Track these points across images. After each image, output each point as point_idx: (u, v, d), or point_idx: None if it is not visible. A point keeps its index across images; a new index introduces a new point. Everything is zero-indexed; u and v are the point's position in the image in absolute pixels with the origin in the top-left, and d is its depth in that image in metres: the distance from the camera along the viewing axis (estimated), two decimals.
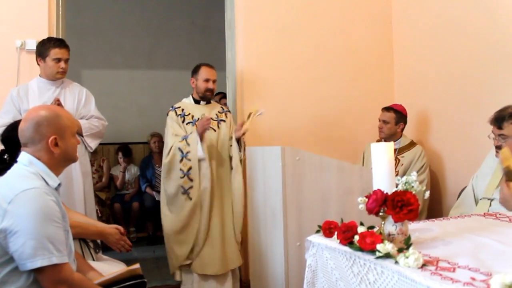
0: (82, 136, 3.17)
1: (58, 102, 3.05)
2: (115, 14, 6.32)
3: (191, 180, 3.29)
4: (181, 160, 3.30)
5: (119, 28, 6.30)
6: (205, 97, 3.52)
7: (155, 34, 6.43)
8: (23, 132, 1.79)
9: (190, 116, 3.46)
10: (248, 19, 3.89)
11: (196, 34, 6.51)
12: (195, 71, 3.51)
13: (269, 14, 3.94)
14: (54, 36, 3.41)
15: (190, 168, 3.29)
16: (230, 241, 3.37)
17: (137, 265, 2.05)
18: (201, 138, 3.30)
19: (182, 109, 3.47)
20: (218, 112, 3.54)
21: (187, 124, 3.44)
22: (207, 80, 3.46)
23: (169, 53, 6.43)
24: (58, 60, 3.13)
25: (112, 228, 2.39)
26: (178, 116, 3.45)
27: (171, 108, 3.50)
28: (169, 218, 3.37)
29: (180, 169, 3.30)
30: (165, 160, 3.35)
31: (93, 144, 3.27)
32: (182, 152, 3.30)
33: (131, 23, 6.35)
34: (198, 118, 3.42)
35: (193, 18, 6.58)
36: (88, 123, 3.24)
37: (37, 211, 1.62)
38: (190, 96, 3.57)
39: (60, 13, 3.61)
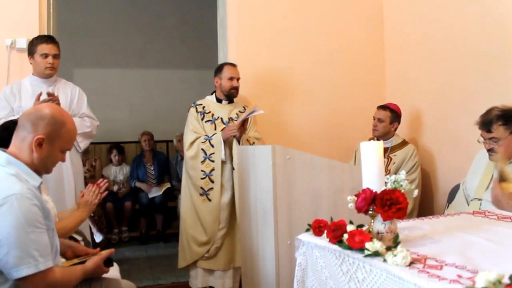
0: None
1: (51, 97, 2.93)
2: (107, 13, 6.29)
3: (212, 181, 3.31)
4: (203, 161, 3.31)
5: (111, 27, 6.27)
6: (230, 96, 3.51)
7: (147, 33, 6.41)
8: (25, 115, 1.79)
9: (210, 114, 3.46)
10: (240, 17, 3.89)
11: (188, 33, 6.48)
12: (218, 70, 3.52)
13: (261, 13, 3.94)
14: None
15: (212, 170, 3.31)
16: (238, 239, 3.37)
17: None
18: (224, 142, 3.31)
19: (203, 107, 3.47)
20: (239, 111, 3.54)
21: (205, 122, 3.44)
22: (231, 79, 3.47)
23: (161, 52, 6.40)
24: (46, 55, 3.10)
25: (79, 210, 2.44)
26: (198, 113, 3.45)
27: (192, 105, 3.50)
28: (190, 218, 3.38)
29: (202, 170, 3.31)
30: (189, 153, 3.34)
31: (82, 144, 3.24)
32: (205, 153, 3.31)
33: (123, 22, 6.32)
34: (218, 117, 3.44)
35: (185, 16, 6.56)
36: (80, 121, 3.19)
37: (19, 219, 1.56)
38: (213, 94, 3.57)
39: (51, 11, 3.59)
